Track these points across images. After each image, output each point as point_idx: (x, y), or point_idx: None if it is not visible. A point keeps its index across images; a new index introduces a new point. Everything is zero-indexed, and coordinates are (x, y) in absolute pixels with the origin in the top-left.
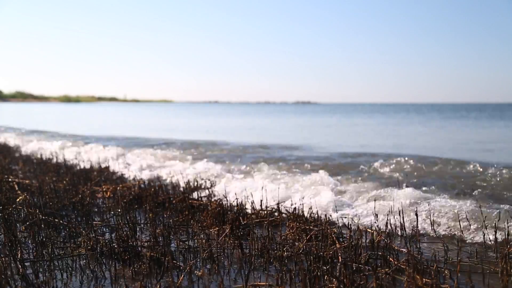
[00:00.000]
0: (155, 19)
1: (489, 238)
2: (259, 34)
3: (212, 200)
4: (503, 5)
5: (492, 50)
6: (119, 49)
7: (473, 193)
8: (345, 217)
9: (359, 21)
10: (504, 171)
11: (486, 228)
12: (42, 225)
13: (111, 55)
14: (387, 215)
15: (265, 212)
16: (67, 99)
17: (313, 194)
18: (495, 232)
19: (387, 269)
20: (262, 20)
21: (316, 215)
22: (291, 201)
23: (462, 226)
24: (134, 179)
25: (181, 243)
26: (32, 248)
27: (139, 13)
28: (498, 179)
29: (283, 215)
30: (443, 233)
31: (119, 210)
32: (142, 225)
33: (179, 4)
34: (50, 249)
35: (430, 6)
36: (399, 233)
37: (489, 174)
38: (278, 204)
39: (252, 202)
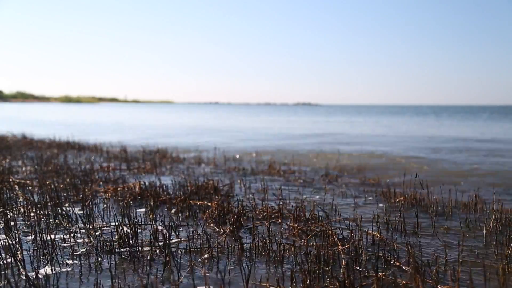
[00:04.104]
0: (156, 20)
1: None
2: (259, 35)
3: (213, 200)
4: (504, 6)
5: (493, 51)
6: (120, 50)
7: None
8: (346, 218)
9: (359, 22)
10: None
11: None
12: (43, 225)
13: (112, 56)
14: (388, 215)
15: (266, 212)
16: (67, 100)
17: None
18: (496, 232)
19: (388, 270)
20: (262, 21)
21: (317, 215)
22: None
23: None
24: (135, 179)
25: (181, 242)
26: (33, 248)
27: (140, 14)
28: None
29: (284, 215)
30: (444, 232)
31: (120, 210)
32: (142, 225)
33: (180, 5)
34: (50, 249)
35: (430, 8)
36: (400, 232)
37: None
38: (279, 204)
39: (254, 202)
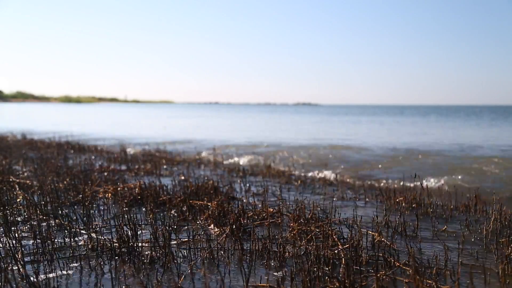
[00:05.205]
0: (156, 20)
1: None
2: (259, 35)
3: (213, 200)
4: (504, 6)
5: (492, 51)
6: (120, 50)
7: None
8: (346, 218)
9: (359, 22)
10: None
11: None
12: (43, 225)
13: (112, 56)
14: (388, 215)
15: (266, 213)
16: (68, 100)
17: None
18: (496, 233)
19: (388, 270)
20: (262, 21)
21: (317, 216)
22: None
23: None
24: (135, 179)
25: (181, 242)
26: (33, 248)
27: (140, 14)
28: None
29: (284, 215)
30: (444, 233)
31: (120, 210)
32: (142, 225)
33: (179, 5)
34: (50, 249)
35: (430, 8)
36: (400, 233)
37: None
38: (279, 204)
39: (254, 202)
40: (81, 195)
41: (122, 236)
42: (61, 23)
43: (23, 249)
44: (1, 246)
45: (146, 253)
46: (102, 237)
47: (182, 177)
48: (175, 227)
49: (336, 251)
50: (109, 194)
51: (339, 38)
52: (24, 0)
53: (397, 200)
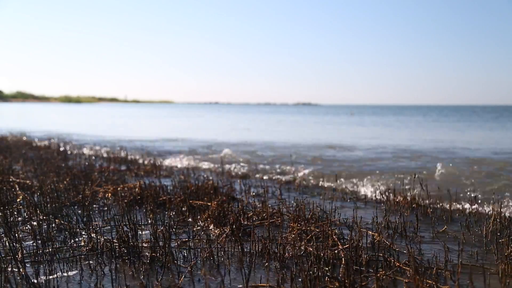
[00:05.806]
0: (156, 20)
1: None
2: (259, 35)
3: (213, 200)
4: (504, 6)
5: (492, 51)
6: (120, 50)
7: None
8: (346, 218)
9: (359, 22)
10: None
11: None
12: (43, 225)
13: (112, 56)
14: (388, 215)
15: (266, 213)
16: (67, 100)
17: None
18: (497, 233)
19: (388, 270)
20: (262, 21)
21: (317, 216)
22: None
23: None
24: (135, 179)
25: (181, 243)
26: (33, 248)
27: (139, 14)
28: None
29: (284, 216)
30: (444, 234)
31: (120, 210)
32: (142, 225)
33: (179, 5)
34: (51, 249)
35: (429, 8)
36: (400, 234)
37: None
38: (279, 204)
39: (254, 203)
40: (81, 195)
41: (122, 236)
42: (61, 23)
43: (23, 249)
44: (1, 246)
45: (146, 253)
46: (102, 237)
47: (182, 177)
48: (175, 227)
49: (336, 252)
50: (109, 194)
51: (339, 38)
52: (24, 0)
53: (397, 200)
